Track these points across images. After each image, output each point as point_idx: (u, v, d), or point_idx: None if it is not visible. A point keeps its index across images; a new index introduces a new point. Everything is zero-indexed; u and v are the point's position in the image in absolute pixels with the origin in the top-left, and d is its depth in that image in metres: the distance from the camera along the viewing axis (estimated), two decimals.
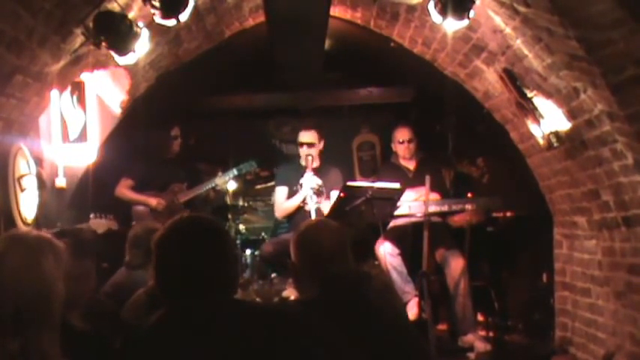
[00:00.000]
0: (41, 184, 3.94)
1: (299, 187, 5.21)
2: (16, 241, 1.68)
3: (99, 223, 4.19)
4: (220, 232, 1.78)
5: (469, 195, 4.92)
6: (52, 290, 1.66)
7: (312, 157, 5.14)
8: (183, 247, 1.70)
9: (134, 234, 3.59)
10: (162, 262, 1.71)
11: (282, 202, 5.30)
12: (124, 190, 5.27)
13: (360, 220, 4.43)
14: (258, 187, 6.76)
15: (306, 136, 5.20)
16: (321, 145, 5.23)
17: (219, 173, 5.59)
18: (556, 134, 3.98)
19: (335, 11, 4.67)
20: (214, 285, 1.67)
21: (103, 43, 3.15)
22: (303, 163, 5.22)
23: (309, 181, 5.04)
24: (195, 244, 1.70)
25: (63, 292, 1.69)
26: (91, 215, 4.16)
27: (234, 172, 5.51)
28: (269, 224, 6.46)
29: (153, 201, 5.21)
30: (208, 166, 6.25)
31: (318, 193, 5.12)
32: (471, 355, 4.51)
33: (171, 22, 3.19)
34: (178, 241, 1.71)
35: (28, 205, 3.72)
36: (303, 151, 5.20)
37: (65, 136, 4.27)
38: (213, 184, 5.49)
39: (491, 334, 5.02)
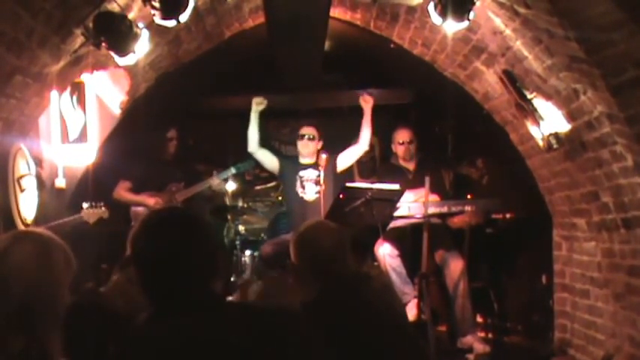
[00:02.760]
0: (41, 184, 3.94)
1: (297, 178, 5.24)
2: (25, 238, 1.68)
3: (91, 213, 4.18)
4: (194, 221, 1.71)
5: (468, 196, 4.94)
6: (59, 288, 1.65)
7: (312, 148, 5.22)
8: (156, 239, 1.64)
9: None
10: (137, 256, 1.66)
11: (256, 141, 5.31)
12: (122, 192, 5.26)
13: (359, 221, 4.43)
14: (258, 187, 6.75)
15: (308, 129, 5.29)
16: (319, 145, 5.25)
17: (217, 171, 5.59)
18: (556, 136, 3.98)
19: (335, 12, 4.67)
20: (193, 275, 1.62)
21: (103, 44, 3.16)
22: (301, 160, 5.29)
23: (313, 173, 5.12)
24: (169, 234, 1.64)
25: (68, 294, 1.68)
26: (84, 205, 4.14)
27: (232, 170, 5.51)
28: None
29: (150, 201, 5.19)
30: (207, 167, 6.25)
31: (317, 182, 5.16)
32: (470, 356, 4.50)
33: (171, 23, 3.19)
34: (152, 234, 1.66)
35: (27, 205, 3.73)
36: (303, 143, 5.24)
37: (65, 137, 4.28)
38: (210, 183, 5.48)
39: (490, 335, 5.03)
